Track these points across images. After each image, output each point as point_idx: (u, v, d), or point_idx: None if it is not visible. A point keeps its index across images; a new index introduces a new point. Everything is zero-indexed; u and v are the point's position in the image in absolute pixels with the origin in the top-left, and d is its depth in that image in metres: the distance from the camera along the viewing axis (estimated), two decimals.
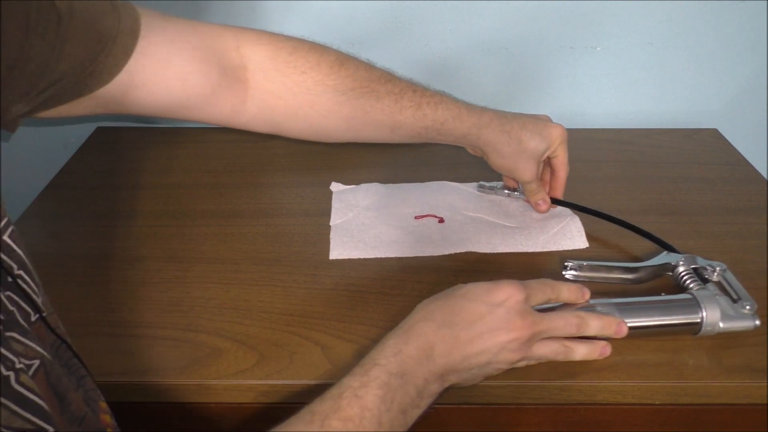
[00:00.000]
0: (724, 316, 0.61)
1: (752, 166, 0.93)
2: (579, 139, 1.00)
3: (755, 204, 0.84)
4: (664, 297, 0.63)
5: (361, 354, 0.61)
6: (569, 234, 0.78)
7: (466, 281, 0.58)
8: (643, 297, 0.63)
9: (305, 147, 0.97)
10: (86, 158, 0.96)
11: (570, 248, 0.76)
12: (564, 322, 0.58)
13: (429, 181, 0.89)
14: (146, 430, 0.62)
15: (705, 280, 0.66)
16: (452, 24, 0.99)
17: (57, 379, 0.43)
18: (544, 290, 0.59)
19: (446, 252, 0.75)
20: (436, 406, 0.60)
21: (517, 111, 1.04)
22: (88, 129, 1.04)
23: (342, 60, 0.69)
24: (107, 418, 0.49)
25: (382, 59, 1.01)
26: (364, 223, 0.80)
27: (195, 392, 0.60)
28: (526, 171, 0.76)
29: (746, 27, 0.99)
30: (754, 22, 0.99)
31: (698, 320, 0.61)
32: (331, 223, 0.81)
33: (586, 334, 0.58)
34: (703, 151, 0.97)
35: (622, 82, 1.04)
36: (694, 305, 0.61)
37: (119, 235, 0.79)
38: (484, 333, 0.54)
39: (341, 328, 0.65)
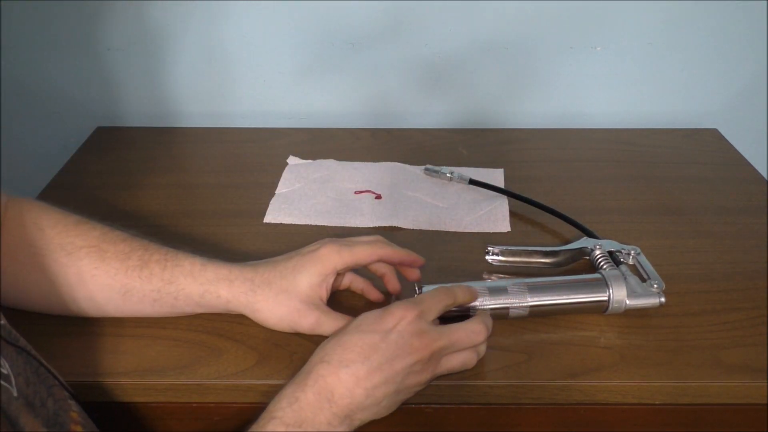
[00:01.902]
0: (631, 294, 0.64)
1: (752, 166, 0.93)
2: (579, 139, 1.00)
3: (755, 204, 0.84)
4: (573, 277, 0.66)
5: None
6: (494, 218, 0.81)
7: None
8: (554, 277, 0.66)
9: (305, 147, 0.97)
10: (86, 158, 0.96)
11: (492, 231, 0.79)
12: (467, 333, 0.57)
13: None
14: (146, 430, 0.62)
15: (618, 263, 0.69)
16: (452, 24, 0.99)
17: (7, 402, 0.42)
18: (440, 299, 0.58)
19: (371, 225, 0.79)
20: (436, 406, 0.60)
21: (517, 111, 1.05)
22: (88, 129, 1.04)
23: (80, 221, 0.63)
24: (79, 429, 0.49)
25: (382, 59, 1.02)
26: (306, 194, 0.85)
27: (195, 392, 0.60)
28: (307, 317, 0.61)
29: (746, 27, 0.99)
30: (754, 22, 0.99)
31: (605, 298, 0.63)
32: (276, 191, 0.85)
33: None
34: (703, 151, 0.97)
35: (622, 82, 1.04)
36: (602, 284, 0.64)
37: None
38: (383, 364, 0.52)
39: None
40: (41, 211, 0.63)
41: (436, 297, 0.58)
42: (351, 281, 0.67)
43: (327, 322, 0.60)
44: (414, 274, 0.67)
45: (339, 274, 0.64)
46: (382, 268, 0.67)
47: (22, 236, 0.61)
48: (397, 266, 0.67)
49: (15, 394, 0.43)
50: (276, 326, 0.62)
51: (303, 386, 0.52)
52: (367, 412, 0.53)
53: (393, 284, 0.67)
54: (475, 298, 0.62)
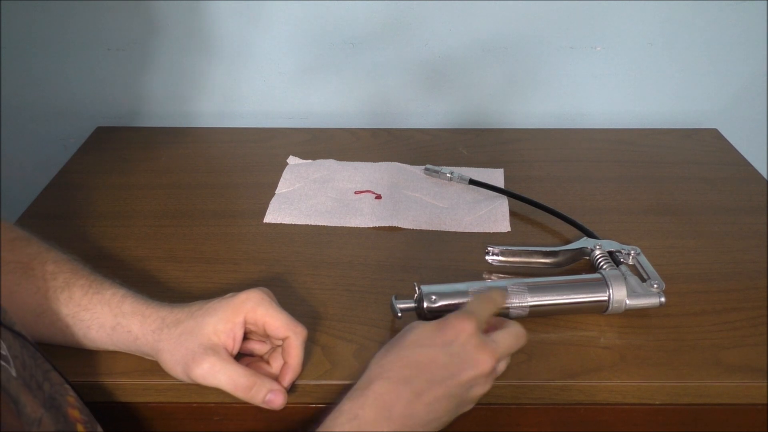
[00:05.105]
0: (631, 294, 0.64)
1: (752, 166, 0.93)
2: (579, 139, 1.00)
3: (755, 204, 0.84)
4: (573, 277, 0.66)
5: (360, 354, 0.61)
6: (494, 217, 0.81)
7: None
8: (554, 277, 0.66)
9: (305, 147, 0.97)
10: (86, 158, 0.96)
11: (492, 231, 0.79)
12: (516, 338, 0.56)
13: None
14: (146, 430, 0.62)
15: (618, 263, 0.69)
16: (452, 24, 0.99)
17: (7, 381, 0.42)
18: (487, 307, 0.57)
19: (371, 225, 0.79)
20: None
21: (517, 111, 1.05)
22: (88, 129, 1.04)
23: (21, 237, 0.61)
24: (76, 413, 0.48)
25: (382, 59, 1.02)
26: (306, 194, 0.85)
27: (195, 392, 0.59)
28: (200, 363, 0.55)
29: (746, 27, 0.99)
30: (754, 22, 0.99)
31: (605, 298, 0.63)
32: (276, 191, 0.85)
33: None
34: (703, 151, 0.97)
35: (622, 82, 1.04)
36: (602, 284, 0.64)
37: (119, 235, 0.78)
38: (446, 378, 0.52)
39: (341, 328, 0.65)
40: None
41: (484, 306, 0.57)
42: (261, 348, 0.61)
43: (223, 370, 0.54)
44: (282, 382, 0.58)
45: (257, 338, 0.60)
46: (257, 349, 0.61)
47: None
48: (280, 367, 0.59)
49: (14, 374, 0.43)
50: (171, 370, 0.56)
51: (362, 403, 0.50)
52: (428, 427, 0.52)
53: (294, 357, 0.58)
54: (503, 299, 0.61)
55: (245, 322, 0.57)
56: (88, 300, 0.58)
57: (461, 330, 0.53)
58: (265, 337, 0.59)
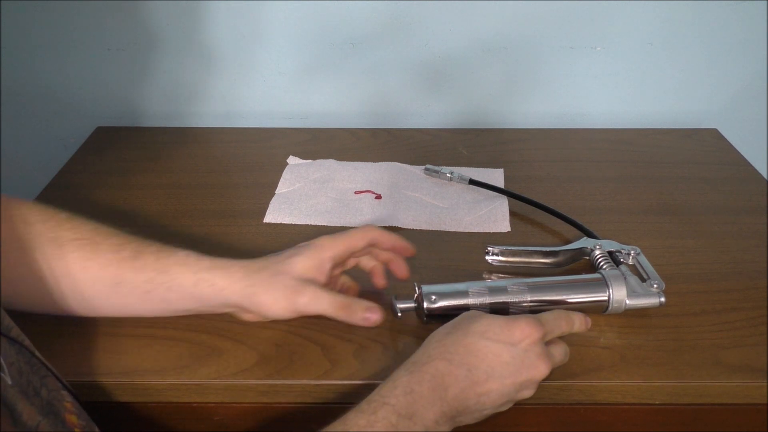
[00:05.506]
0: (631, 294, 0.64)
1: (752, 166, 0.93)
2: (579, 139, 1.01)
3: (755, 204, 0.84)
4: (573, 277, 0.66)
5: (360, 354, 0.61)
6: (494, 218, 0.81)
7: None
8: (554, 277, 0.66)
9: (305, 147, 0.97)
10: (86, 158, 0.96)
11: (492, 231, 0.79)
12: (564, 354, 0.58)
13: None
14: (146, 430, 0.62)
15: (618, 263, 0.69)
16: (452, 24, 0.99)
17: (4, 390, 0.42)
18: (560, 325, 0.58)
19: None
20: None
21: (517, 111, 1.05)
22: (88, 129, 1.04)
23: (71, 217, 0.62)
24: (73, 419, 0.48)
25: (382, 59, 1.02)
26: (306, 194, 0.85)
27: (195, 392, 0.60)
28: (304, 293, 0.60)
29: (746, 27, 0.99)
30: (754, 22, 0.99)
31: (605, 298, 0.63)
32: (276, 191, 0.85)
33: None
34: (703, 151, 0.97)
35: (622, 82, 1.04)
36: (602, 284, 0.64)
37: None
38: (504, 375, 0.53)
39: (341, 328, 0.64)
40: (30, 207, 0.62)
41: (557, 322, 0.58)
42: (358, 261, 0.67)
43: (325, 297, 0.60)
44: (402, 270, 0.67)
45: (338, 267, 0.65)
46: (370, 263, 0.67)
47: (9, 231, 0.60)
48: (387, 261, 0.67)
49: (9, 382, 0.43)
50: (272, 309, 0.61)
51: (419, 378, 0.52)
52: (470, 417, 0.54)
53: (380, 279, 0.67)
54: (588, 327, 0.61)
55: (330, 259, 0.62)
56: (162, 264, 0.60)
57: (529, 334, 0.54)
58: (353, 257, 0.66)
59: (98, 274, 0.60)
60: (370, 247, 0.66)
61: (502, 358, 0.53)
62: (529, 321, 0.55)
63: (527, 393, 0.55)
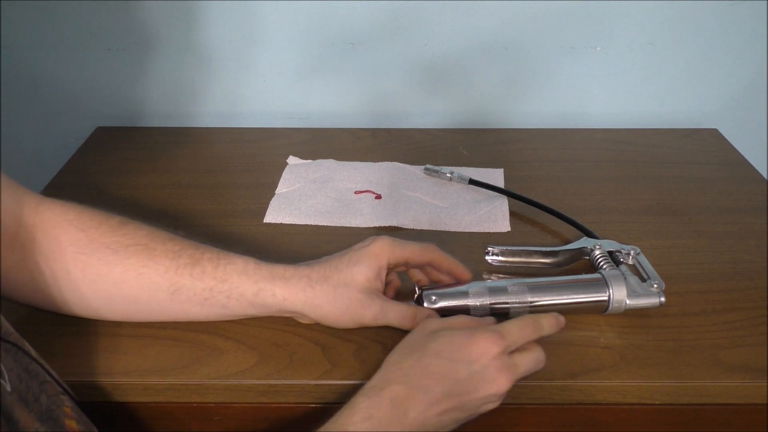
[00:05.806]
0: (631, 294, 0.64)
1: (752, 166, 0.93)
2: (579, 139, 1.01)
3: (755, 204, 0.84)
4: (573, 277, 0.66)
5: (360, 354, 0.61)
6: (494, 217, 0.81)
7: None
8: (554, 277, 0.66)
9: (305, 147, 0.97)
10: (86, 158, 0.96)
11: (492, 231, 0.79)
12: (535, 362, 0.56)
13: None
14: (146, 430, 0.62)
15: (618, 263, 0.69)
16: (452, 24, 0.99)
17: (2, 397, 0.42)
18: (526, 332, 0.56)
19: (371, 225, 0.79)
20: None
21: (517, 111, 1.05)
22: (88, 129, 1.04)
23: (124, 221, 0.62)
24: (73, 424, 0.48)
25: (382, 59, 1.02)
26: (306, 194, 0.85)
27: (195, 392, 0.60)
28: (371, 307, 0.61)
29: (746, 27, 0.99)
30: (754, 22, 0.99)
31: (605, 298, 0.63)
32: (276, 191, 0.85)
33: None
34: (703, 151, 0.97)
35: (622, 82, 1.04)
36: (602, 284, 0.64)
37: None
38: (462, 394, 0.53)
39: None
40: (81, 212, 0.62)
41: (522, 331, 0.56)
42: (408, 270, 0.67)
43: (391, 309, 0.61)
44: None
45: (389, 271, 0.64)
46: (418, 275, 0.67)
47: (58, 237, 0.60)
48: (438, 280, 0.66)
49: (9, 388, 0.43)
50: (337, 321, 0.61)
51: (378, 403, 0.51)
52: (431, 430, 0.53)
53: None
54: (561, 326, 0.59)
55: (387, 265, 0.62)
56: (221, 272, 0.60)
57: (487, 350, 0.54)
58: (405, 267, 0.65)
59: (155, 280, 0.60)
60: (425, 264, 0.65)
61: (460, 377, 0.53)
62: (488, 336, 0.54)
63: (490, 406, 0.55)
